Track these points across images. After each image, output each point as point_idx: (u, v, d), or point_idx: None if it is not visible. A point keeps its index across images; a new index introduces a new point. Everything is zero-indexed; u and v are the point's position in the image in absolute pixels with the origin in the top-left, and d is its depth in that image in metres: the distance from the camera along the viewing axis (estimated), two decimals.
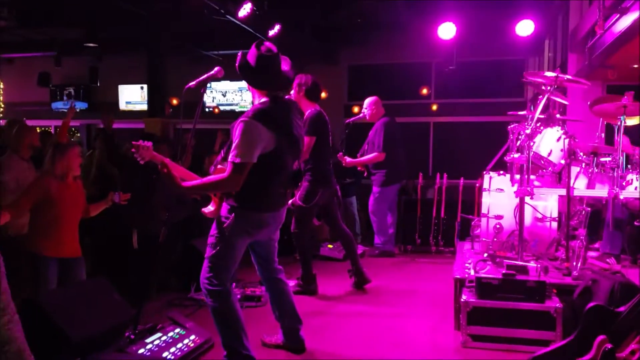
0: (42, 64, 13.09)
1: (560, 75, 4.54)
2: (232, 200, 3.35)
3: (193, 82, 3.56)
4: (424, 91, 11.47)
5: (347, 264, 5.81)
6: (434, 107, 11.92)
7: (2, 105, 9.70)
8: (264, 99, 3.41)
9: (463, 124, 11.98)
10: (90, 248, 5.46)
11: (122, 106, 14.07)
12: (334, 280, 5.84)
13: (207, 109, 13.28)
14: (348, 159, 6.97)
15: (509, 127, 5.12)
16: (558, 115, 5.16)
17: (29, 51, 12.74)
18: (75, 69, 13.64)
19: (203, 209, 3.52)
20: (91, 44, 9.27)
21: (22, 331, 1.90)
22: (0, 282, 1.84)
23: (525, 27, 7.71)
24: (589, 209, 4.58)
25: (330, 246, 7.05)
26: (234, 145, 3.23)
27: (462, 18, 8.44)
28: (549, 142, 4.71)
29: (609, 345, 2.64)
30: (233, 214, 3.33)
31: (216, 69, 3.53)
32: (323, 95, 11.14)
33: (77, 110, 14.18)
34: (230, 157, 3.22)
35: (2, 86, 8.92)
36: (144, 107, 12.49)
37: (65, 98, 14.26)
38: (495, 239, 4.92)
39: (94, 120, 14.19)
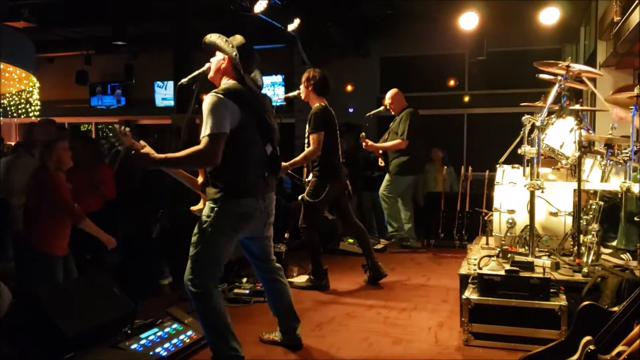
0: (81, 62, 13.39)
1: (570, 65, 4.37)
2: (213, 193, 3.26)
3: (185, 79, 3.56)
4: (451, 82, 11.25)
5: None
6: (466, 99, 11.67)
7: (39, 104, 9.93)
8: (231, 81, 3.39)
9: (498, 115, 11.68)
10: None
11: (158, 103, 14.26)
12: (349, 276, 5.80)
13: None
14: (370, 142, 6.90)
15: (523, 118, 4.96)
16: (578, 106, 4.97)
17: (67, 50, 13.06)
18: (113, 66, 13.94)
19: (192, 207, 3.47)
20: (119, 42, 9.38)
21: None
22: None
23: (550, 15, 7.44)
24: (602, 202, 4.38)
25: (350, 240, 7.00)
26: (204, 121, 3.16)
27: (489, 7, 8.23)
28: (561, 134, 4.54)
29: (592, 347, 2.52)
30: (215, 209, 3.24)
31: (207, 65, 3.53)
32: (349, 88, 11.17)
33: (114, 107, 14.60)
34: (202, 133, 3.13)
35: (38, 85, 9.12)
36: None
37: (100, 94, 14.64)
38: (508, 234, 4.78)
39: (131, 117, 14.50)
